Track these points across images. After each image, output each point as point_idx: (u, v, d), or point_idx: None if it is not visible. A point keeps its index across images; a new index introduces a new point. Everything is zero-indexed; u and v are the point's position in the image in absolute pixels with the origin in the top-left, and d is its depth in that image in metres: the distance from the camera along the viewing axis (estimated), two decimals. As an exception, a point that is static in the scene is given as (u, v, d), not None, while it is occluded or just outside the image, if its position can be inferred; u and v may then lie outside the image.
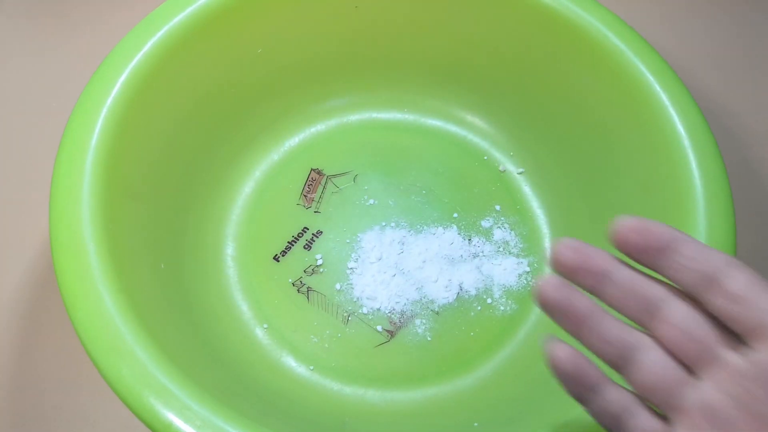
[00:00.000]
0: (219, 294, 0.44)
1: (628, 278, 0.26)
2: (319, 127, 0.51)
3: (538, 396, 0.38)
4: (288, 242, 0.46)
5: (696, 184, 0.37)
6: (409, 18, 0.47)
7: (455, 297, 0.45)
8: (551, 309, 0.27)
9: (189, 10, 0.41)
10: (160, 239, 0.41)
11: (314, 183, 0.49)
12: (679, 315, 0.26)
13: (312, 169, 0.49)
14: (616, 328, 0.27)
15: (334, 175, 0.49)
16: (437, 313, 0.44)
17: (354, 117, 0.51)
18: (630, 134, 0.42)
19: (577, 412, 0.32)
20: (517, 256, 0.47)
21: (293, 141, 0.50)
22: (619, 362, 0.27)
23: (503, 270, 0.46)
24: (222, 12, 0.42)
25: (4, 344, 0.43)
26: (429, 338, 0.44)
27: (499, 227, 0.48)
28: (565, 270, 0.27)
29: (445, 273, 0.45)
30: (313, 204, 0.48)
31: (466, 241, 0.47)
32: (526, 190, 0.49)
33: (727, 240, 0.36)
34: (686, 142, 0.39)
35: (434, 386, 0.42)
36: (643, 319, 0.26)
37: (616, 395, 0.27)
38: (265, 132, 0.49)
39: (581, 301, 0.27)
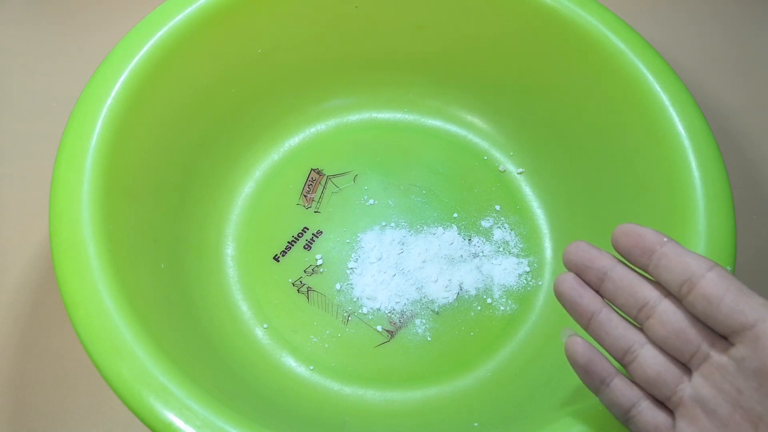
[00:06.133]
0: (219, 294, 0.44)
1: (624, 277, 0.29)
2: (319, 127, 0.51)
3: (538, 396, 0.38)
4: (288, 242, 0.46)
5: (696, 184, 0.38)
6: (409, 18, 0.47)
7: (455, 297, 0.45)
8: (564, 302, 0.30)
9: (189, 10, 0.41)
10: (160, 239, 0.41)
11: (314, 183, 0.49)
12: (668, 314, 0.28)
13: (312, 169, 0.49)
14: (620, 326, 0.29)
15: (334, 175, 0.49)
16: (437, 313, 0.44)
17: (354, 117, 0.51)
18: (630, 134, 0.42)
19: (575, 411, 0.32)
20: (517, 256, 0.47)
21: (293, 141, 0.50)
22: (625, 357, 0.29)
23: (503, 270, 0.46)
24: (222, 12, 0.42)
25: (4, 344, 0.43)
26: (429, 338, 0.44)
27: (499, 227, 0.47)
28: (573, 267, 0.30)
29: (445, 273, 0.45)
30: (313, 204, 0.48)
31: (466, 241, 0.47)
32: (526, 190, 0.49)
33: (727, 240, 0.36)
34: (686, 142, 0.39)
35: (434, 386, 0.42)
36: (639, 317, 0.29)
37: (625, 389, 0.29)
38: (265, 132, 0.49)
39: (590, 298, 0.30)
